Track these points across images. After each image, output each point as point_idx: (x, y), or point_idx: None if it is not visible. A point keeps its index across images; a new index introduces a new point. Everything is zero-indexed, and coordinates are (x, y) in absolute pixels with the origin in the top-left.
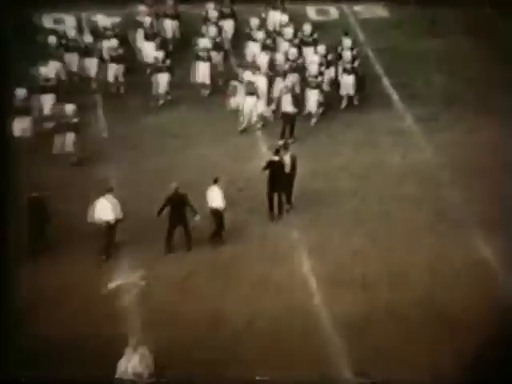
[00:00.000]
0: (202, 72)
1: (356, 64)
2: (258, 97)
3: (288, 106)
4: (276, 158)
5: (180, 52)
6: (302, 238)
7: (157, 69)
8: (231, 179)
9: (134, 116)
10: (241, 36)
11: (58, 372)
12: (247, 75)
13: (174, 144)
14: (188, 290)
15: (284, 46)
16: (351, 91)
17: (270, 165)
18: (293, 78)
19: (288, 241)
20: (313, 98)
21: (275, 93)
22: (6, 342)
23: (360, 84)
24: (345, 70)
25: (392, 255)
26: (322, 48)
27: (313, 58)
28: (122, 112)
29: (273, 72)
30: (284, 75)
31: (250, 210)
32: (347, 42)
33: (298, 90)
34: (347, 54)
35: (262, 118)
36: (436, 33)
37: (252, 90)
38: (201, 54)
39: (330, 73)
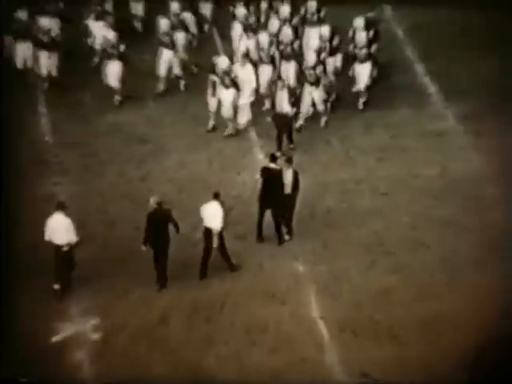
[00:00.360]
0: (164, 60)
1: (373, 49)
2: (237, 90)
3: (284, 106)
4: (272, 166)
5: (147, 35)
6: (309, 273)
7: (107, 55)
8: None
9: (87, 115)
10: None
11: None
12: (222, 63)
13: (141, 150)
14: (159, 341)
15: (274, 24)
16: (363, 85)
17: (265, 173)
18: (288, 68)
19: (290, 276)
20: (308, 98)
21: (262, 87)
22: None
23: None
24: (356, 58)
25: (426, 297)
26: (325, 29)
27: (311, 42)
28: (70, 110)
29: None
30: (272, 63)
31: (241, 235)
32: (359, 21)
33: (294, 83)
34: (361, 37)
35: (243, 113)
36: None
37: (229, 83)
38: (163, 38)
39: (335, 61)
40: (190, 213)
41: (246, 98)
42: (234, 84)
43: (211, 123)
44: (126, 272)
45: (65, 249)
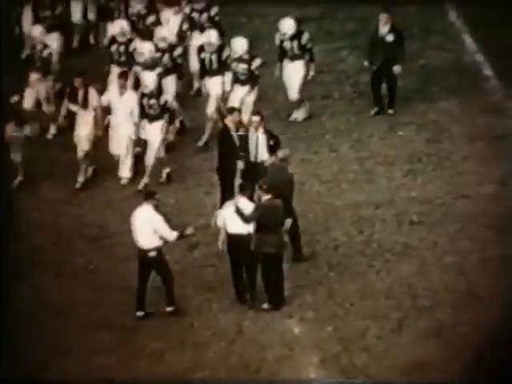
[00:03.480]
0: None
1: (309, 45)
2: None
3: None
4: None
5: None
6: (308, 337)
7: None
8: (176, 226)
9: None
10: None
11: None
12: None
13: None
14: None
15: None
16: (295, 95)
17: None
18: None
19: (282, 342)
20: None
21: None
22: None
23: None
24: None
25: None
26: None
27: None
28: None
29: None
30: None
31: (212, 286)
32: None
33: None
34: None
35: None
36: None
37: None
38: None
39: None
40: None
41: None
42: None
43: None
44: None
45: (151, 255)
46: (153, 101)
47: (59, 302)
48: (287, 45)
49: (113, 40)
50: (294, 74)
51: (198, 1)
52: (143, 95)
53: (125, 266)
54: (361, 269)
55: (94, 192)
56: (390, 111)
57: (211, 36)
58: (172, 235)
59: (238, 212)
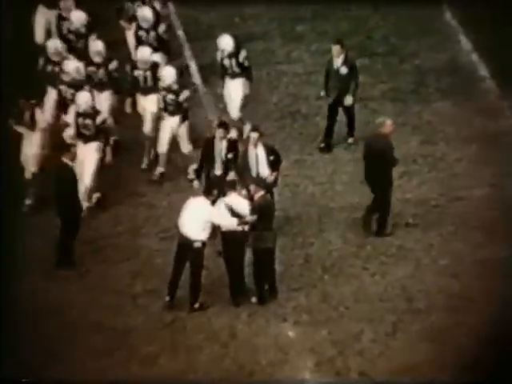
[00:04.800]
0: None
1: (246, 63)
2: None
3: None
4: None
5: None
6: (303, 340)
7: None
8: (168, 228)
9: None
10: None
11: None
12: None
13: None
14: None
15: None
16: (236, 113)
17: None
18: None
19: (276, 345)
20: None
21: None
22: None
23: None
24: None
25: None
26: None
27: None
28: None
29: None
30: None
31: (206, 289)
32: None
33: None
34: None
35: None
36: None
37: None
38: None
39: None
40: None
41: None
42: None
43: None
44: None
45: (196, 245)
46: (88, 121)
47: (51, 303)
48: (226, 62)
49: (47, 60)
50: (233, 92)
51: (144, 19)
52: (78, 115)
53: (117, 268)
54: (355, 271)
55: None
56: (350, 140)
57: (144, 53)
58: (233, 221)
59: (231, 210)
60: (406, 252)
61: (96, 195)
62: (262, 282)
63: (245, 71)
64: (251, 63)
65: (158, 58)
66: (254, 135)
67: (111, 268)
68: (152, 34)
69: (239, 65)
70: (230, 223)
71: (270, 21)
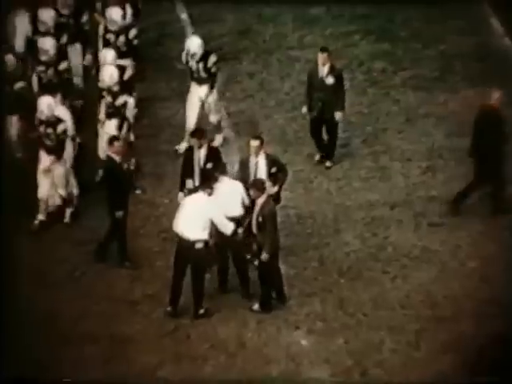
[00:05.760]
0: None
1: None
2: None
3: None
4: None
5: None
6: (317, 350)
7: None
8: (170, 226)
9: None
10: None
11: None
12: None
13: None
14: None
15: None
16: (213, 117)
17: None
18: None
19: (287, 355)
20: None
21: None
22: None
23: None
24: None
25: None
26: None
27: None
28: None
29: None
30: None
31: (210, 294)
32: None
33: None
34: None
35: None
36: None
37: None
38: None
39: None
40: None
41: None
42: None
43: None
44: None
45: (198, 246)
46: (49, 129)
47: (43, 310)
48: (193, 65)
49: None
50: (208, 97)
51: (111, 23)
52: (41, 122)
53: (115, 271)
54: (374, 275)
55: None
56: (328, 164)
57: (106, 56)
58: (229, 227)
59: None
60: (430, 254)
61: (69, 210)
62: (267, 288)
63: (210, 77)
64: (219, 69)
65: (125, 63)
66: (254, 143)
67: (108, 271)
68: (121, 38)
69: (206, 70)
70: (226, 225)
71: (282, 2)
